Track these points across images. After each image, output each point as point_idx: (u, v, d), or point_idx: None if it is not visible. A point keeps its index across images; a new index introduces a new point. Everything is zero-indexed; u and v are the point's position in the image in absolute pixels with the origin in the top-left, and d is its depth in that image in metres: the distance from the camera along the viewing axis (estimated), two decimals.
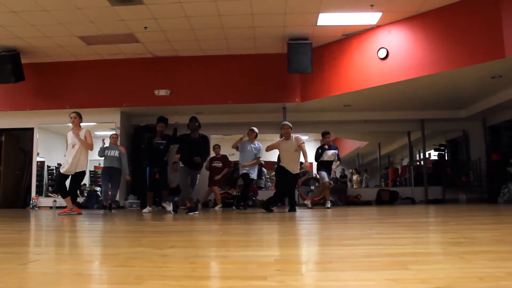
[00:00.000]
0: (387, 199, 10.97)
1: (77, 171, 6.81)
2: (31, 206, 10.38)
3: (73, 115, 6.93)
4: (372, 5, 7.84)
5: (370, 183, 13.56)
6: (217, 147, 9.56)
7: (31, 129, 10.95)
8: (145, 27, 8.60)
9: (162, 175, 7.92)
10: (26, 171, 11.44)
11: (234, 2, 7.66)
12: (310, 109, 10.81)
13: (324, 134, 8.98)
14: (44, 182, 11.19)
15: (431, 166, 12.50)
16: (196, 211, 7.02)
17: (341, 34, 9.12)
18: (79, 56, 10.14)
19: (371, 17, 8.37)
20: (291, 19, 8.40)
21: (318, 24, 8.60)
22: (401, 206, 9.36)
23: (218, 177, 9.29)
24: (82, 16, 8.00)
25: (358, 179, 13.65)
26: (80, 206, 10.07)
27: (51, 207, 10.21)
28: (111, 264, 1.88)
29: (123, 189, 10.24)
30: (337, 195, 10.72)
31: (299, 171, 7.54)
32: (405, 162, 13.11)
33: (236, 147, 8.46)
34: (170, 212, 7.31)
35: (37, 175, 11.02)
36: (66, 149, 7.00)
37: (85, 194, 11.09)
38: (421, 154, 12.02)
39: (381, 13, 8.18)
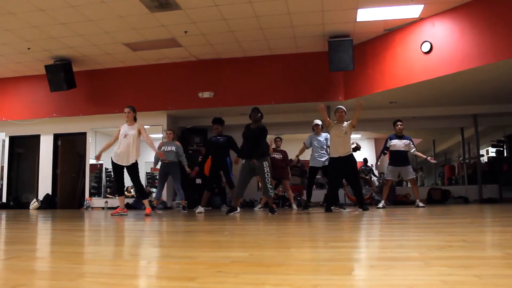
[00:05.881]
0: (438, 198, 10.47)
1: (131, 162, 6.67)
2: (84, 207, 10.97)
3: (127, 110, 6.86)
4: None
5: (426, 182, 13.02)
6: (278, 140, 9.28)
7: (85, 133, 11.57)
8: (185, 32, 8.81)
9: (226, 174, 7.82)
10: (81, 173, 12.10)
11: (270, 3, 7.64)
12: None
13: (395, 123, 8.52)
14: (102, 184, 11.80)
15: (487, 163, 11.80)
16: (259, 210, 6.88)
17: (382, 29, 8.84)
18: (126, 62, 10.59)
19: (412, 10, 8.05)
20: (330, 16, 8.26)
21: (357, 20, 8.39)
22: (452, 205, 8.90)
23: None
24: (125, 24, 8.36)
25: None
26: (129, 206, 10.53)
27: (103, 208, 10.74)
28: (74, 262, 1.96)
29: (170, 190, 10.54)
30: None
31: (351, 151, 7.10)
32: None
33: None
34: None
35: (96, 177, 11.64)
36: (115, 140, 6.88)
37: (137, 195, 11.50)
38: (475, 151, 11.37)
39: (422, 5, 7.84)
